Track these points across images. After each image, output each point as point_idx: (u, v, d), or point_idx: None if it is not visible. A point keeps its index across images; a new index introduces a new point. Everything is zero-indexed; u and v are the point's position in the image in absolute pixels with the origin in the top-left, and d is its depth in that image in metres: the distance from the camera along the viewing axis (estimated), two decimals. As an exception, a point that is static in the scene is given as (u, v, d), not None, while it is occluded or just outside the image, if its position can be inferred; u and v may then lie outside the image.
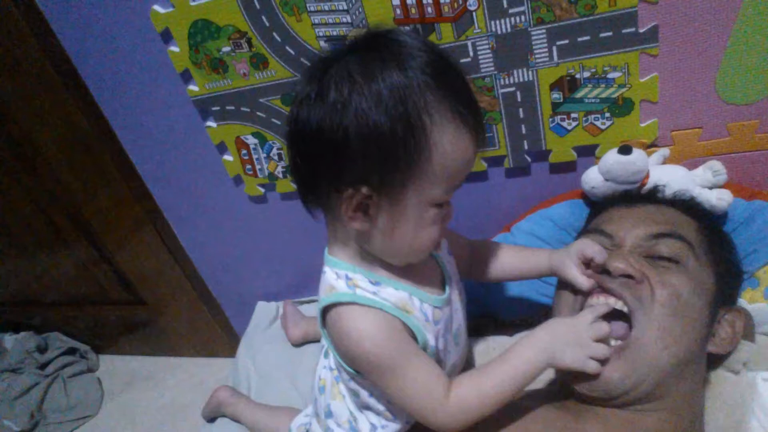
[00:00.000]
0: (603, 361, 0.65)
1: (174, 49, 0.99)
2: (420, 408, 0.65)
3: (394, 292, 0.66)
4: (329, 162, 0.58)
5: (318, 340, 1.18)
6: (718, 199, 0.82)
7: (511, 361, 0.65)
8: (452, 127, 0.56)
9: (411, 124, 0.54)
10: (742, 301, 0.82)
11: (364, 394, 0.73)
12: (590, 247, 0.72)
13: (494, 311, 1.03)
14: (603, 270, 0.71)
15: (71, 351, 1.78)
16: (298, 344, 1.21)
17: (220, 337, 1.60)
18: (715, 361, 0.78)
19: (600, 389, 0.66)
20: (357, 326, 0.63)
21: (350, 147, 0.55)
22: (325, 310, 0.67)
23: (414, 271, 0.69)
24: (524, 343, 0.66)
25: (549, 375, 0.84)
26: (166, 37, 0.98)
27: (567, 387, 0.71)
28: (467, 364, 0.87)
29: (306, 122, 0.58)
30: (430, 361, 0.66)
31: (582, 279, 0.72)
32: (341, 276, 0.67)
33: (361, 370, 0.67)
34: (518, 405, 0.72)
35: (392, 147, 0.55)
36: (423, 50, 0.57)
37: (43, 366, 1.70)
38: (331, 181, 0.59)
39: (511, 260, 0.83)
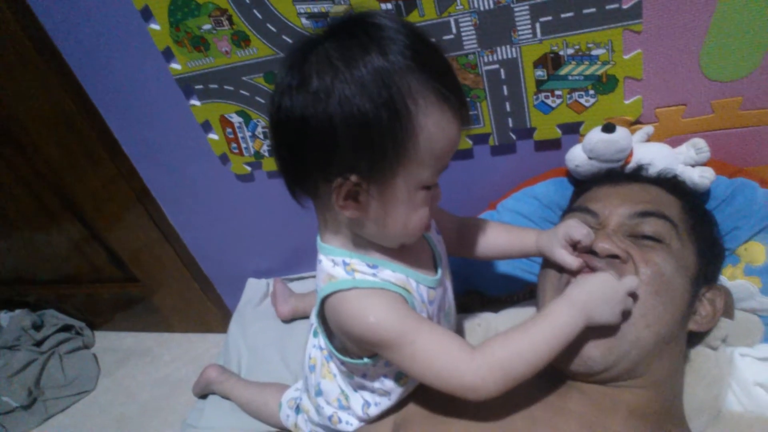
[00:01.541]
0: (589, 336, 0.66)
1: (154, 26, 0.98)
2: (443, 371, 0.62)
3: (392, 274, 0.66)
4: (316, 152, 0.57)
5: (307, 317, 1.19)
6: (701, 176, 0.81)
7: (548, 320, 0.63)
8: (437, 109, 0.56)
9: (396, 109, 0.54)
10: (723, 278, 0.83)
11: (357, 374, 0.74)
12: (577, 230, 0.71)
13: (480, 288, 1.03)
14: (589, 250, 0.72)
15: (66, 328, 1.79)
16: (287, 320, 1.22)
17: (213, 313, 1.62)
18: (695, 338, 0.78)
19: (582, 365, 0.67)
20: (360, 306, 0.63)
21: (337, 136, 0.54)
22: (325, 299, 0.66)
23: (407, 252, 0.69)
24: (560, 302, 0.64)
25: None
26: (146, 14, 0.97)
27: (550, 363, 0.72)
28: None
29: (289, 112, 0.57)
30: (439, 327, 0.66)
31: (571, 259, 0.71)
32: (338, 263, 0.66)
33: (374, 350, 0.67)
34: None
35: (379, 133, 0.54)
36: (402, 33, 0.56)
37: (39, 343, 1.71)
38: (319, 171, 0.59)
39: (499, 239, 0.83)
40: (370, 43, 0.54)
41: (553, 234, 0.75)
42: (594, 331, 0.65)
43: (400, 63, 0.54)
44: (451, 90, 0.57)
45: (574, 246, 0.73)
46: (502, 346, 0.62)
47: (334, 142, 0.55)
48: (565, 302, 0.64)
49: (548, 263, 0.77)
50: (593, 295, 0.64)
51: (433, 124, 0.56)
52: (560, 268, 0.74)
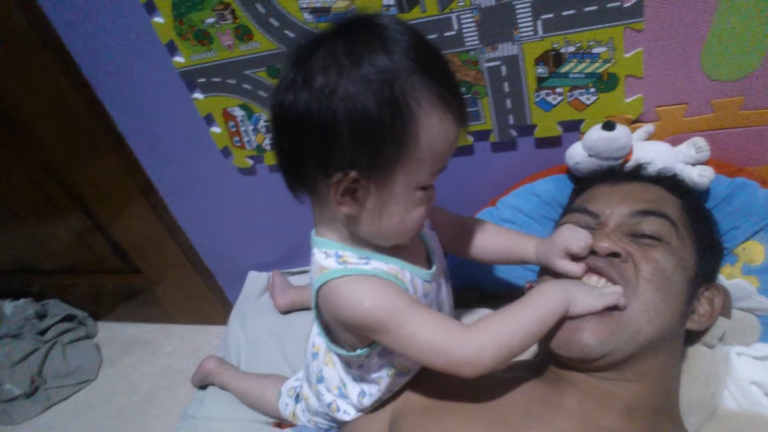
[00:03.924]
0: (588, 324, 0.66)
1: (158, 20, 0.98)
2: (442, 346, 0.62)
3: (385, 265, 0.67)
4: (317, 147, 0.58)
5: (304, 308, 1.20)
6: (700, 175, 0.82)
7: (536, 299, 0.66)
8: (437, 110, 0.57)
9: (398, 108, 0.55)
10: (721, 277, 0.83)
11: (354, 365, 0.75)
12: (575, 243, 0.70)
13: (478, 284, 1.04)
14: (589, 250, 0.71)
15: (70, 318, 1.80)
16: (285, 312, 1.23)
17: (214, 305, 1.62)
18: (692, 336, 0.79)
19: (578, 353, 0.67)
20: (353, 292, 0.64)
21: (339, 131, 0.55)
22: (319, 291, 0.67)
23: (401, 248, 0.70)
24: (541, 287, 0.68)
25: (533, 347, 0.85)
26: (150, 8, 0.97)
27: (547, 354, 0.73)
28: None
29: (293, 107, 0.58)
30: (431, 309, 0.67)
31: (573, 267, 0.71)
32: (331, 255, 0.67)
33: (370, 336, 0.67)
34: (501, 377, 0.73)
35: (380, 131, 0.55)
36: (406, 34, 0.57)
37: (42, 332, 1.72)
38: (319, 166, 0.59)
39: (497, 243, 0.83)
40: (375, 42, 0.55)
41: (551, 245, 0.74)
42: (594, 319, 0.66)
43: (404, 63, 0.55)
44: (452, 92, 0.58)
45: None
46: (496, 321, 0.64)
47: (336, 137, 0.56)
48: (546, 286, 0.68)
49: (547, 270, 0.77)
50: (572, 285, 0.68)
51: (433, 125, 0.57)
52: (557, 274, 0.74)
